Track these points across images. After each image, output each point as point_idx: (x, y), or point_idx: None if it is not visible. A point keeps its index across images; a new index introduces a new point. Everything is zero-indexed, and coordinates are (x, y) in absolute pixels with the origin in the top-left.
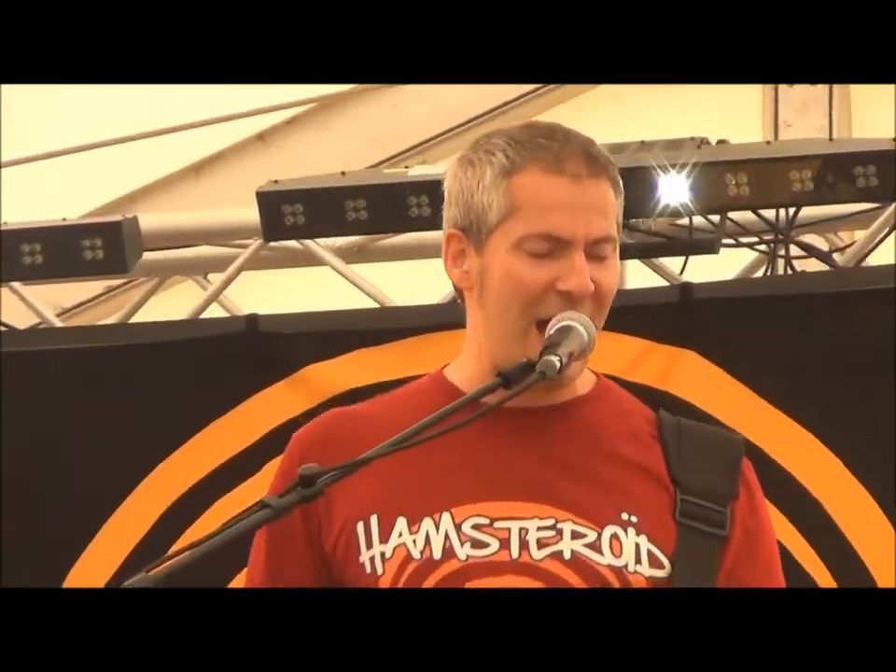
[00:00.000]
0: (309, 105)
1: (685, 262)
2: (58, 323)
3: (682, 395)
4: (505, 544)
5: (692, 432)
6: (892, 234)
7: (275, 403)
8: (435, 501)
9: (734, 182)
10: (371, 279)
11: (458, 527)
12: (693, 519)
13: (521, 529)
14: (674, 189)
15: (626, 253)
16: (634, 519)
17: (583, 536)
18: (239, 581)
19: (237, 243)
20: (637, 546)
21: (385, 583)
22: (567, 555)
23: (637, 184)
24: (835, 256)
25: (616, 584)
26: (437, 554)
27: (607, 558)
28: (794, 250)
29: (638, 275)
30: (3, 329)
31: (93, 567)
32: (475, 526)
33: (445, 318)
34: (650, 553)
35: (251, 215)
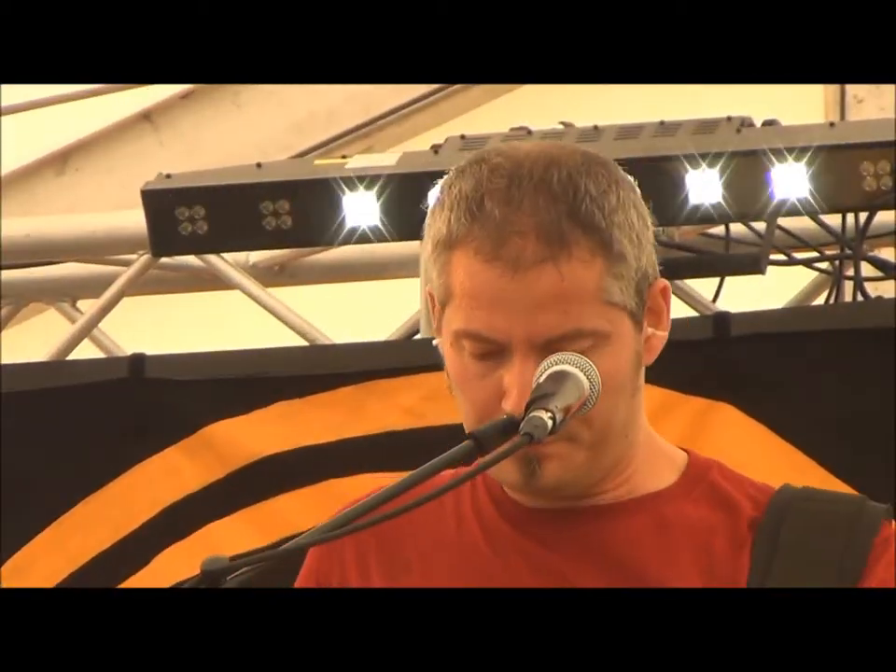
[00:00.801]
0: None
1: (720, 285)
2: None
3: None
4: None
5: (800, 524)
6: None
7: (167, 474)
8: None
9: None
10: (296, 308)
11: None
12: None
13: None
14: (707, 186)
15: None
16: None
17: None
18: None
19: (116, 258)
20: None
21: None
22: None
23: (654, 179)
24: None
25: None
26: None
27: None
28: (867, 269)
29: None
30: None
31: None
32: None
33: (395, 360)
34: None
35: (134, 221)
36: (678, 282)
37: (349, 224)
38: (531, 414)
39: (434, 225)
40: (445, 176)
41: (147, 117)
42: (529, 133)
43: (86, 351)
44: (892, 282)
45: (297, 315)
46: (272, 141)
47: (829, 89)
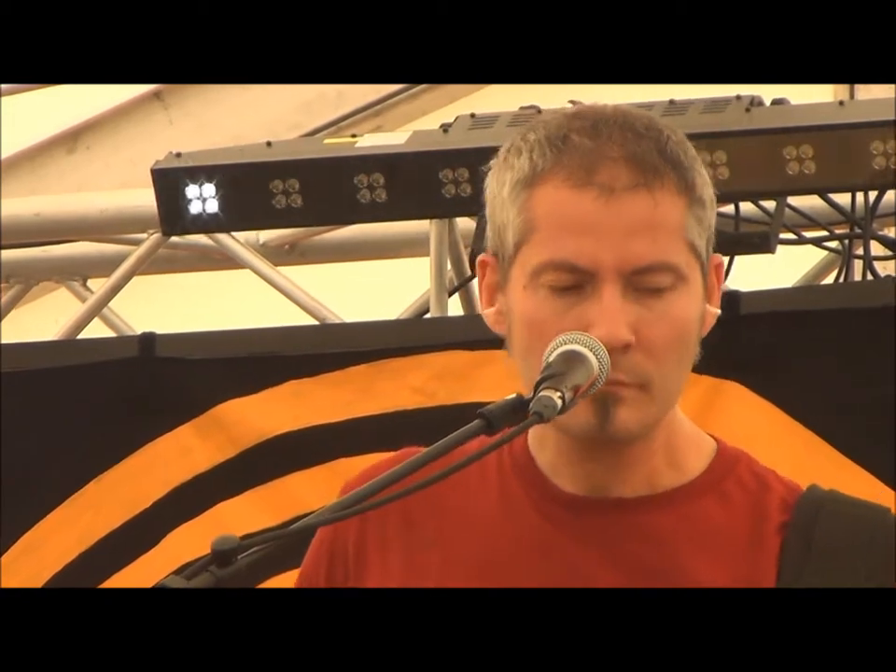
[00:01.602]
0: None
1: (729, 264)
2: None
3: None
4: None
5: (832, 527)
6: None
7: (178, 454)
8: None
9: (795, 157)
10: (306, 287)
11: None
12: None
13: None
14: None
15: None
16: None
17: None
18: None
19: (126, 237)
20: None
21: None
22: None
23: None
24: None
25: None
26: None
27: None
28: (876, 248)
29: None
30: None
31: None
32: None
33: (406, 340)
34: None
35: (145, 199)
36: None
37: (362, 202)
38: (541, 394)
39: (505, 173)
40: (505, 144)
41: (157, 95)
42: (539, 111)
43: (96, 330)
44: None
45: (307, 295)
46: (281, 120)
47: None
